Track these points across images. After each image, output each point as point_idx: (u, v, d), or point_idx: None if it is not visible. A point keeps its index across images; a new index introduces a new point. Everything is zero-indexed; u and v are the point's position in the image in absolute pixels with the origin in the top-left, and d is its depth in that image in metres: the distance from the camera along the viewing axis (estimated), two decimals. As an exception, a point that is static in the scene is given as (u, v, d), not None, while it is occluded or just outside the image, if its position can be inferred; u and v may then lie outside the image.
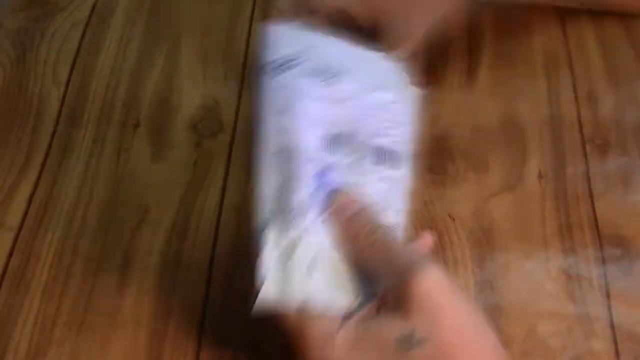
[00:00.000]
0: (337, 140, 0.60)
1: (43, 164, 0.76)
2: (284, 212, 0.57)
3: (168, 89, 0.81)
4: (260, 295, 0.56)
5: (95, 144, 0.77)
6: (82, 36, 0.87)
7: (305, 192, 0.58)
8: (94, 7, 0.89)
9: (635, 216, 0.70)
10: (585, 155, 0.74)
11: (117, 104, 0.80)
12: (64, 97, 0.81)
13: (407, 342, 0.52)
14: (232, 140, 0.77)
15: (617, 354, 0.62)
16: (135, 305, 0.66)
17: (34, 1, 0.90)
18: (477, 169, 0.74)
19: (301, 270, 0.56)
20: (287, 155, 0.58)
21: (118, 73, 0.83)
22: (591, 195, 0.71)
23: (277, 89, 0.60)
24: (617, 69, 0.78)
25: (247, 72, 0.82)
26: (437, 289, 0.53)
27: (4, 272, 0.69)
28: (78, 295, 0.67)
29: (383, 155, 0.60)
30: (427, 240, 0.62)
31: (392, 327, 0.53)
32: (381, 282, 0.56)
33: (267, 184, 0.58)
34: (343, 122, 0.60)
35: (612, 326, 0.64)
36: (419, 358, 0.52)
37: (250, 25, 0.87)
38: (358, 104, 0.60)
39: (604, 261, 0.67)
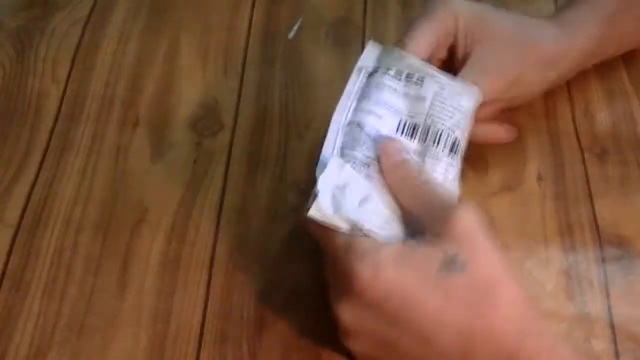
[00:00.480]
0: (414, 128, 0.65)
1: (42, 162, 0.76)
2: (344, 158, 0.63)
3: (168, 87, 0.81)
4: (314, 206, 0.59)
5: (94, 142, 0.77)
6: (82, 34, 0.86)
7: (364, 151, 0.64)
8: (93, 6, 0.89)
9: (635, 216, 0.70)
10: (583, 162, 0.74)
11: (116, 103, 0.80)
12: (63, 95, 0.81)
13: (450, 265, 0.55)
14: (232, 139, 0.77)
15: (616, 353, 0.62)
16: (136, 306, 0.66)
17: (33, 0, 0.90)
18: (477, 169, 0.74)
19: (353, 202, 0.60)
20: (358, 128, 0.64)
21: (117, 71, 0.83)
22: (591, 196, 0.71)
23: (365, 85, 0.66)
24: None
25: (247, 71, 0.82)
26: (477, 225, 0.57)
27: (4, 271, 0.69)
28: (78, 296, 0.67)
29: (456, 147, 0.65)
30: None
31: (436, 251, 0.56)
32: (426, 219, 0.59)
33: (331, 144, 0.64)
34: (421, 115, 0.65)
35: (612, 326, 0.64)
36: (459, 283, 0.55)
37: (250, 24, 0.87)
38: (437, 102, 0.65)
39: (603, 261, 0.67)
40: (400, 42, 0.69)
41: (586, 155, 0.74)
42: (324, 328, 0.62)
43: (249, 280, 0.68)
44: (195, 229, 0.71)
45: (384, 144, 0.63)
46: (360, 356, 0.60)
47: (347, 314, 0.57)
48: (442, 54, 0.71)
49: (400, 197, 0.61)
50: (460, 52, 0.71)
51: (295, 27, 0.86)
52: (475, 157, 0.74)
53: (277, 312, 0.66)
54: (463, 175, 0.73)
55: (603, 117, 0.77)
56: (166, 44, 0.85)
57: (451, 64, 0.71)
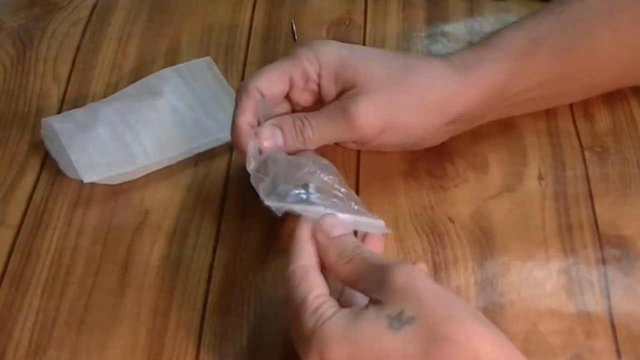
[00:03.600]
0: None
1: (43, 162, 0.76)
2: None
3: (168, 87, 0.81)
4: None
5: (95, 143, 0.77)
6: (83, 34, 0.87)
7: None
8: (94, 6, 0.89)
9: (635, 217, 0.70)
10: (584, 161, 0.74)
11: (117, 103, 0.80)
12: (64, 95, 0.81)
13: (398, 321, 0.53)
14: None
15: (617, 352, 0.62)
16: (135, 305, 0.66)
17: (34, 0, 0.90)
18: (477, 170, 0.74)
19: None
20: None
21: (118, 71, 0.83)
22: (591, 196, 0.71)
23: None
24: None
25: (247, 71, 0.82)
26: (415, 276, 0.55)
27: (4, 271, 0.69)
28: (78, 293, 0.67)
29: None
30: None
31: (380, 311, 0.54)
32: (365, 289, 0.57)
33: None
34: None
35: (613, 326, 0.64)
36: (413, 335, 0.53)
37: (251, 24, 0.87)
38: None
39: (604, 261, 0.67)
40: (252, 76, 0.68)
41: (586, 155, 0.74)
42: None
43: (249, 277, 0.68)
44: (196, 231, 0.71)
45: (321, 220, 0.61)
46: None
47: None
48: (304, 97, 0.70)
49: (339, 273, 0.59)
50: (326, 95, 0.69)
51: (294, 29, 0.86)
52: (476, 156, 0.74)
53: (277, 309, 0.65)
54: (463, 176, 0.73)
55: (603, 117, 0.77)
56: (167, 44, 0.85)
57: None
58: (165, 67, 0.81)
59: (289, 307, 0.58)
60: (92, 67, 0.83)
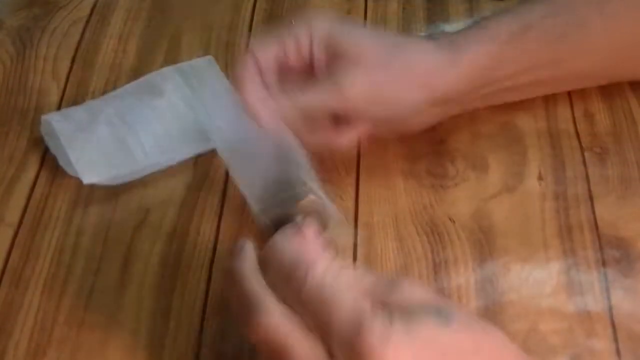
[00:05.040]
0: None
1: (42, 160, 0.76)
2: None
3: (168, 86, 0.81)
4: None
5: (94, 141, 0.77)
6: (82, 33, 0.87)
7: None
8: (94, 5, 0.89)
9: (635, 218, 0.70)
10: (584, 162, 0.74)
11: (117, 101, 0.80)
12: (63, 93, 0.81)
13: (442, 316, 0.50)
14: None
15: (618, 352, 0.62)
16: (135, 304, 0.66)
17: (34, 0, 0.90)
18: (477, 170, 0.74)
19: None
20: None
21: (118, 70, 0.83)
22: (591, 197, 0.71)
23: None
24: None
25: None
26: (426, 288, 0.53)
27: (4, 269, 0.69)
28: (78, 293, 0.67)
29: None
30: None
31: (421, 310, 0.51)
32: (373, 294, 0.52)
33: None
34: None
35: (613, 325, 0.64)
36: (459, 328, 0.51)
37: (251, 23, 0.87)
38: None
39: (604, 262, 0.67)
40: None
41: (586, 155, 0.74)
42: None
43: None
44: (196, 230, 0.71)
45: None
46: None
47: None
48: (296, 63, 0.69)
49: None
50: (317, 65, 0.69)
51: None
52: (476, 156, 0.74)
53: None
54: (463, 176, 0.73)
55: (603, 117, 0.77)
56: (167, 44, 0.85)
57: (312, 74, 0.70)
58: (165, 66, 0.81)
59: (324, 316, 0.51)
60: (91, 66, 0.83)
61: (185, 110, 0.77)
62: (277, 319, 0.51)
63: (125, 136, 0.74)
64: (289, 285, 0.52)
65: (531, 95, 0.76)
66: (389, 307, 0.50)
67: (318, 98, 0.68)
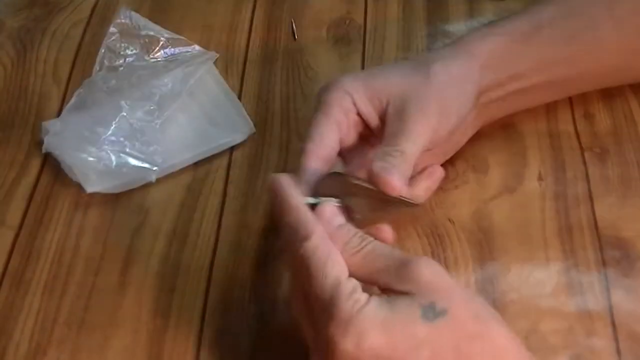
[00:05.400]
0: None
1: (43, 163, 0.76)
2: None
3: (169, 87, 0.81)
4: None
5: (95, 143, 0.77)
6: (83, 35, 0.87)
7: None
8: (94, 7, 0.89)
9: (635, 218, 0.70)
10: (584, 162, 0.74)
11: (118, 103, 0.80)
12: (64, 96, 0.81)
13: (431, 312, 0.53)
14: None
15: (618, 351, 0.62)
16: (135, 305, 0.66)
17: (35, 1, 0.90)
18: (477, 171, 0.74)
19: None
20: None
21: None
22: (591, 197, 0.71)
23: None
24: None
25: (247, 70, 0.82)
26: (441, 271, 0.56)
27: (5, 271, 0.69)
28: (78, 294, 0.67)
29: None
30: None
31: (412, 303, 0.54)
32: (384, 281, 0.56)
33: None
34: None
35: (613, 325, 0.64)
36: (445, 328, 0.53)
37: (251, 23, 0.87)
38: None
39: (604, 263, 0.67)
40: (304, 144, 0.65)
41: (586, 156, 0.74)
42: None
43: (249, 277, 0.68)
44: (196, 231, 0.71)
45: (320, 209, 0.60)
46: None
47: None
48: (353, 134, 0.68)
49: (348, 261, 0.57)
50: (368, 119, 0.68)
51: (294, 29, 0.86)
52: (476, 157, 0.74)
53: (277, 308, 0.66)
54: (464, 177, 0.73)
55: (603, 118, 0.77)
56: (167, 44, 0.85)
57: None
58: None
59: (308, 287, 0.56)
60: (92, 68, 0.83)
61: (185, 117, 0.77)
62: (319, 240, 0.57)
63: (125, 144, 0.74)
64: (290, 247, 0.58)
65: (545, 99, 0.76)
66: (387, 292, 0.56)
67: (417, 143, 0.66)
